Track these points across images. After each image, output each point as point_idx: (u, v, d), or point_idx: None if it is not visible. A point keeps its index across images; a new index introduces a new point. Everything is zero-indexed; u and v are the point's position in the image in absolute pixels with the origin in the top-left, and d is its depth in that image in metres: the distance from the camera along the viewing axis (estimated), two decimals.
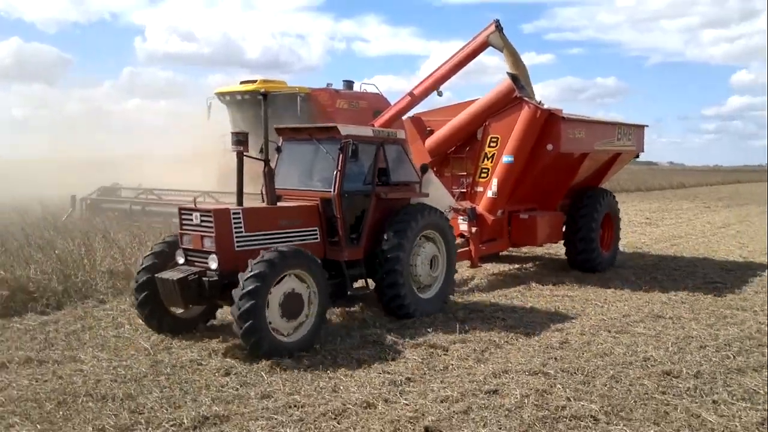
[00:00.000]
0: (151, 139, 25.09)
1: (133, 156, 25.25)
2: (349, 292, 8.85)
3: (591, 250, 12.91)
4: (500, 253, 14.03)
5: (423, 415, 5.71)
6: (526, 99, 11.71)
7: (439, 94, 16.44)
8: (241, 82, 22.01)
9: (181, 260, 7.87)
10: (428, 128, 12.95)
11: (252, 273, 6.99)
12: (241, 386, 6.37)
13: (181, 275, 7.44)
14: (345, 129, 8.69)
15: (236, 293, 6.98)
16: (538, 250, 15.27)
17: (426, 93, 16.41)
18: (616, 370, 6.99)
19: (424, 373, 6.85)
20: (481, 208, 11.99)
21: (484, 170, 12.19)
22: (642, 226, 22.24)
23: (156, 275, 7.65)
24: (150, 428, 5.38)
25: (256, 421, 5.55)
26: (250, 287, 6.91)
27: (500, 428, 5.52)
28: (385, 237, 8.76)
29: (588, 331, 8.60)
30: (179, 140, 22.67)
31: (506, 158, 11.76)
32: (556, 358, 7.39)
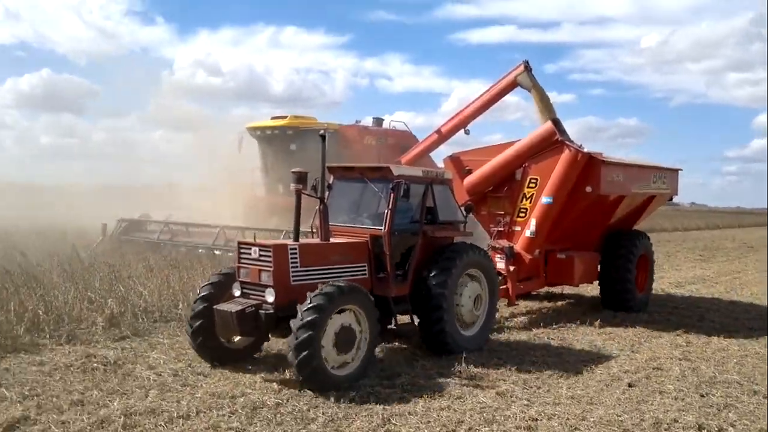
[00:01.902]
0: (176, 169, 25.55)
1: (159, 186, 25.70)
2: (394, 327, 9.05)
3: (627, 291, 13.03)
4: (532, 292, 14.17)
5: None
6: (567, 142, 11.96)
7: (467, 132, 16.80)
8: (272, 118, 22.42)
9: (237, 293, 8.13)
10: (467, 167, 13.21)
11: (311, 305, 7.22)
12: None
13: (240, 307, 7.69)
14: (397, 170, 9.00)
15: (294, 324, 7.20)
16: (568, 290, 15.39)
17: (454, 131, 16.80)
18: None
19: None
20: (518, 247, 12.19)
21: (522, 210, 12.42)
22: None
23: (214, 306, 7.90)
24: None
25: None
26: (309, 318, 7.13)
27: None
28: (431, 274, 8.97)
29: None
30: (204, 172, 23.08)
31: (545, 199, 11.98)
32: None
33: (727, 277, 19.98)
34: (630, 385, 8.07)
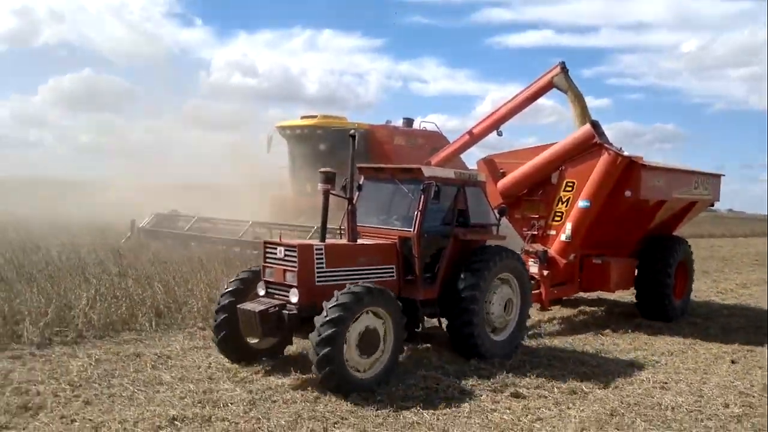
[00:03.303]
0: (211, 168, 25.67)
1: (193, 185, 25.89)
2: (421, 330, 8.88)
3: (664, 298, 12.63)
4: (566, 298, 13.85)
5: None
6: (606, 145, 11.63)
7: (499, 133, 16.45)
8: (302, 117, 22.38)
9: (261, 292, 8.03)
10: (501, 170, 12.96)
11: (338, 302, 7.09)
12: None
13: (263, 307, 7.59)
14: (428, 171, 8.82)
15: (318, 320, 7.08)
16: (603, 296, 14.99)
17: (485, 132, 16.48)
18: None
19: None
20: (553, 251, 11.90)
21: (558, 213, 12.12)
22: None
23: (238, 306, 7.82)
24: None
25: None
26: (334, 315, 6.99)
27: None
28: (462, 277, 8.76)
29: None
30: (237, 171, 23.13)
31: (582, 203, 11.67)
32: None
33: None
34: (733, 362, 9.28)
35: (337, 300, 7.13)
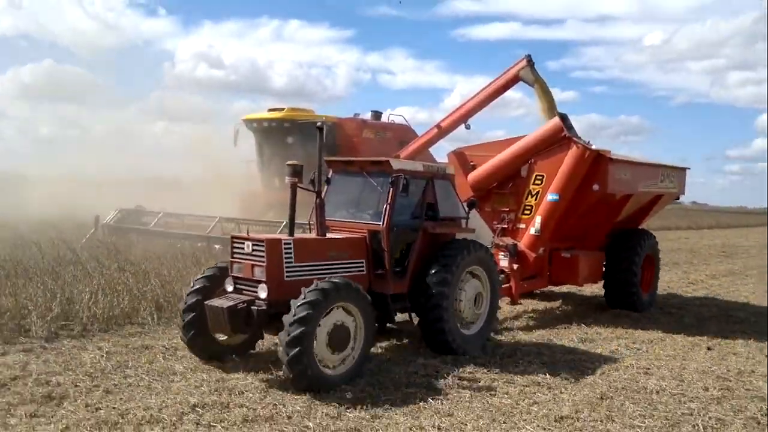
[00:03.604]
0: (176, 161, 25.27)
1: (158, 179, 25.50)
2: (392, 326, 8.82)
3: (631, 291, 12.77)
4: (536, 291, 13.93)
5: None
6: (575, 139, 11.67)
7: (467, 127, 16.44)
8: (269, 110, 22.07)
9: (230, 288, 7.90)
10: (471, 163, 12.94)
11: (305, 300, 6.99)
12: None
13: (231, 303, 7.46)
14: (397, 164, 8.75)
15: (287, 319, 6.97)
16: (572, 289, 15.11)
17: (454, 125, 16.47)
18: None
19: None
20: (522, 244, 11.92)
21: (527, 207, 12.14)
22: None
23: (206, 302, 7.69)
24: None
25: None
26: (302, 314, 6.90)
27: None
28: (431, 271, 8.72)
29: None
30: (204, 164, 22.80)
31: (551, 196, 11.69)
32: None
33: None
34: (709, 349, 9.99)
35: (304, 298, 7.02)
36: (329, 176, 9.29)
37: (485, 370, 8.24)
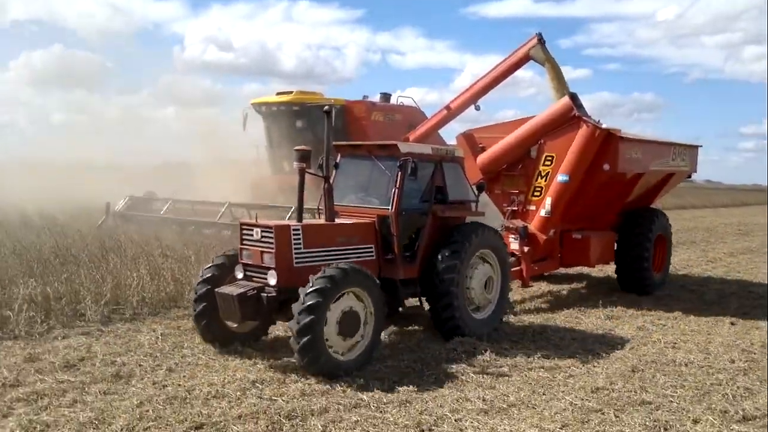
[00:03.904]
0: (186, 146, 25.12)
1: (168, 164, 25.44)
2: (402, 311, 8.79)
3: (643, 272, 12.67)
4: (547, 274, 13.85)
5: None
6: (585, 118, 11.53)
7: (477, 108, 16.28)
8: (277, 93, 21.89)
9: (239, 275, 7.88)
10: (480, 145, 12.81)
11: (313, 288, 6.95)
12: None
13: (241, 290, 7.45)
14: (405, 147, 8.66)
15: (296, 308, 6.95)
16: (586, 270, 15.04)
17: (463, 107, 16.33)
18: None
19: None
20: (533, 227, 11.83)
21: (537, 188, 12.03)
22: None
23: (216, 290, 7.67)
24: None
25: None
26: (311, 302, 6.87)
27: None
28: (440, 258, 8.66)
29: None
30: (213, 149, 22.67)
31: (561, 177, 11.58)
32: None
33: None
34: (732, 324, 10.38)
35: (312, 286, 6.98)
36: (337, 161, 9.23)
37: (520, 347, 8.64)
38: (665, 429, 6.08)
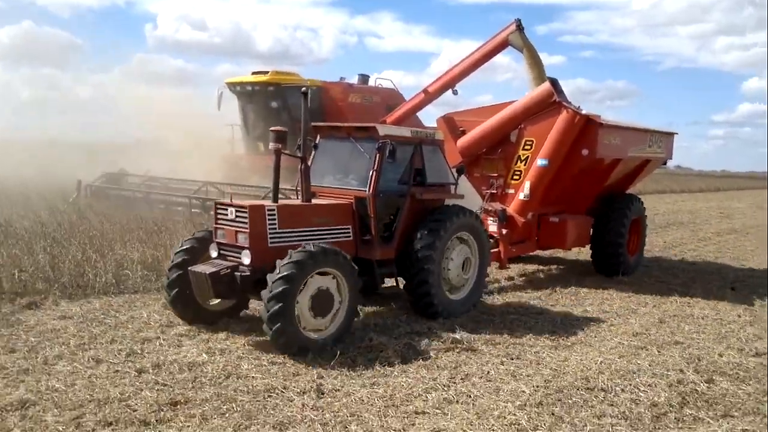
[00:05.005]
0: (159, 126, 24.93)
1: (141, 142, 25.19)
2: (379, 291, 8.82)
3: (618, 255, 12.80)
4: (523, 255, 13.94)
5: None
6: (565, 104, 11.56)
7: (455, 92, 16.22)
8: (253, 73, 21.69)
9: (214, 254, 7.86)
10: (461, 128, 12.82)
11: (280, 275, 6.95)
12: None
13: (214, 269, 7.44)
14: (383, 129, 8.64)
15: (264, 295, 6.98)
16: (561, 253, 15.16)
17: (441, 90, 16.28)
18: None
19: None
20: (511, 210, 11.89)
21: (516, 172, 12.09)
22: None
23: (189, 268, 7.65)
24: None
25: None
26: (278, 290, 6.89)
27: None
28: (418, 236, 8.70)
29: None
30: (187, 128, 22.49)
31: (541, 161, 11.63)
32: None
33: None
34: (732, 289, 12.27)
35: (278, 272, 6.99)
36: (316, 142, 9.19)
37: (559, 306, 10.25)
38: (698, 359, 7.66)
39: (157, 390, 6.01)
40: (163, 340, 7.55)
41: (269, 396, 6.07)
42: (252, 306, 8.74)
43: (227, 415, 5.62)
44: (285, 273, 6.95)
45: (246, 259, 7.49)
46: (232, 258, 7.71)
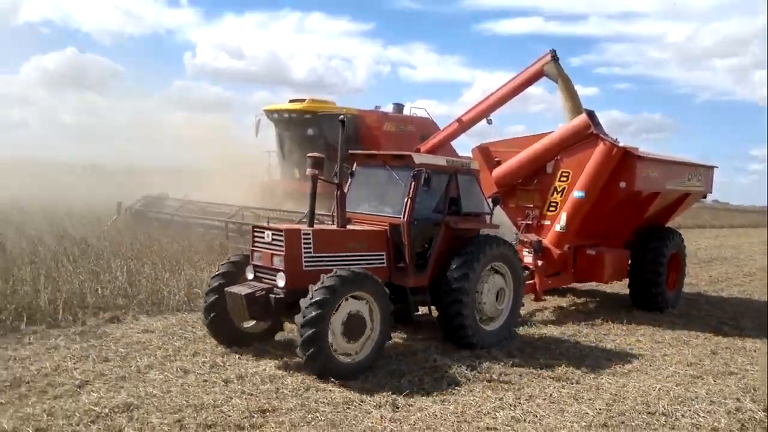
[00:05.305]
0: (197, 151, 25.42)
1: (179, 168, 25.70)
2: (413, 318, 8.82)
3: (656, 290, 12.58)
4: (559, 288, 13.79)
5: None
6: (602, 136, 11.53)
7: (489, 122, 16.24)
8: (290, 101, 22.03)
9: (250, 276, 7.99)
10: (496, 159, 12.85)
11: (313, 300, 7.04)
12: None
13: (249, 291, 7.57)
14: (419, 158, 8.74)
15: (303, 302, 7.09)
16: (597, 286, 14.95)
17: (475, 120, 16.31)
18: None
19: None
20: (547, 241, 11.82)
21: (552, 204, 12.04)
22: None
23: (225, 289, 7.80)
24: None
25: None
26: (311, 315, 6.97)
27: None
28: (452, 266, 8.69)
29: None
30: (223, 154, 22.88)
31: (577, 193, 11.58)
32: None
33: None
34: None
35: (312, 297, 7.08)
36: (353, 169, 9.31)
37: (605, 333, 10.60)
38: (754, 390, 7.82)
39: (246, 398, 6.41)
40: (242, 354, 7.94)
41: (348, 408, 6.36)
42: (287, 327, 8.80)
43: (313, 423, 5.94)
44: (318, 298, 7.02)
45: (281, 281, 7.59)
46: (267, 280, 7.82)
